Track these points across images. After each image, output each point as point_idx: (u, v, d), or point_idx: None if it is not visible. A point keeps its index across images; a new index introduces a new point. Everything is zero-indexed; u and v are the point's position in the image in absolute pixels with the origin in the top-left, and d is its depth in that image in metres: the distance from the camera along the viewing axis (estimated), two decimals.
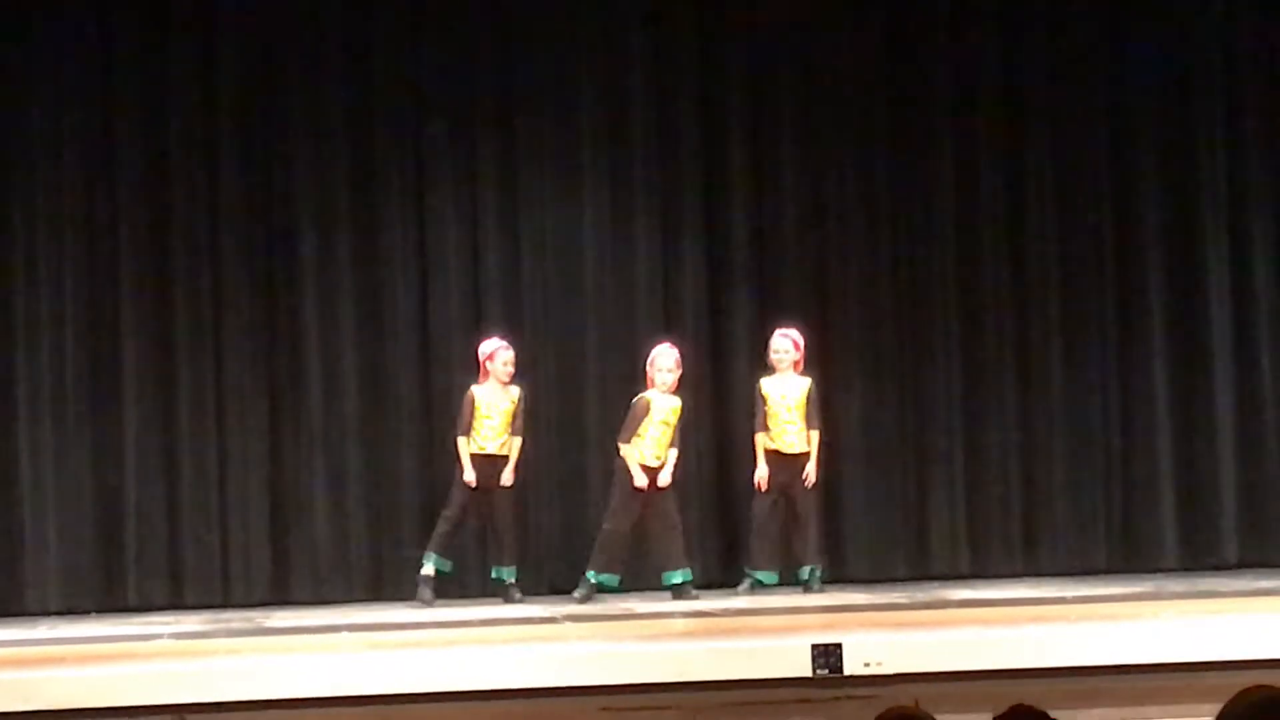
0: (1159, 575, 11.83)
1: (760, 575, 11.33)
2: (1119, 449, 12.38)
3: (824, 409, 11.77)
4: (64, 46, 11.95)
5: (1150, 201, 12.45)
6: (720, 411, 12.17)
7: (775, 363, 11.37)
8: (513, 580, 11.26)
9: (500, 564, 11.30)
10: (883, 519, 12.16)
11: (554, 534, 12.01)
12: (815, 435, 11.38)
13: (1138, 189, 12.46)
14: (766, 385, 11.40)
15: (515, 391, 11.28)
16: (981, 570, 12.10)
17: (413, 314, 12.06)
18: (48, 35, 11.95)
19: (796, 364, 11.39)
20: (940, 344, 12.34)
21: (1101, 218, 12.46)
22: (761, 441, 11.39)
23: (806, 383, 11.38)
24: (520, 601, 11.11)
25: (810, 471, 11.29)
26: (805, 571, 11.32)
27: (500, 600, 11.18)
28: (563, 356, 12.00)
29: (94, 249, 11.92)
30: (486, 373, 11.24)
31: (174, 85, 12.00)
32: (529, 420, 11.39)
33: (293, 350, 12.05)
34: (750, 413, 11.56)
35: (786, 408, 11.33)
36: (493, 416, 11.19)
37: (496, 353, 11.23)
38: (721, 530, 12.14)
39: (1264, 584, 10.98)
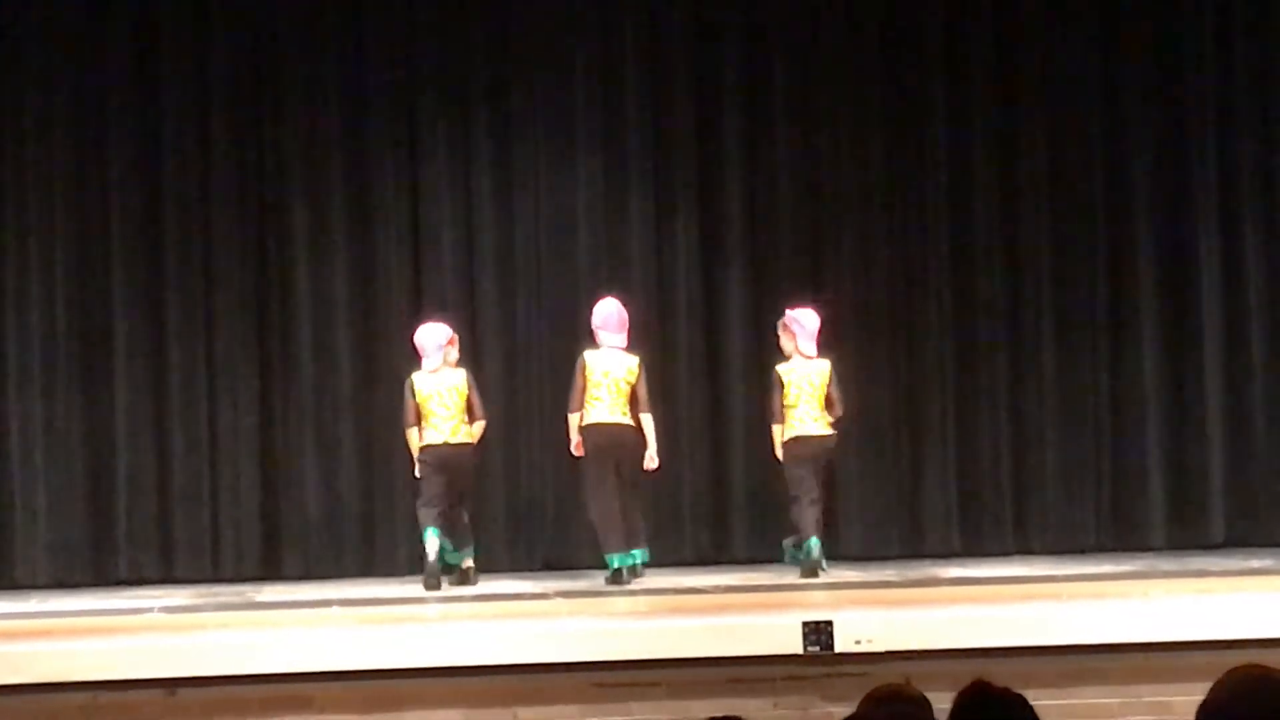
0: (1148, 554, 11.85)
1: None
2: (1109, 429, 12.39)
3: None
4: (55, 19, 11.90)
5: (1142, 184, 12.44)
6: (713, 387, 12.17)
7: (800, 348, 11.11)
8: (471, 562, 11.00)
9: (461, 547, 10.94)
10: (875, 497, 12.17)
11: (547, 510, 11.99)
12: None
13: (1130, 172, 12.45)
14: (785, 371, 11.14)
15: (460, 375, 10.90)
16: (973, 549, 12.11)
17: (406, 288, 12.04)
18: (38, 6, 11.91)
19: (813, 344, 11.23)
20: (933, 324, 12.34)
21: (1094, 199, 12.46)
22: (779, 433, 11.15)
23: (826, 365, 11.19)
24: (475, 584, 10.88)
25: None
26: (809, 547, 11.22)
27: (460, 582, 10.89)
28: (555, 332, 11.97)
29: (85, 221, 11.89)
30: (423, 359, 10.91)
31: (166, 58, 11.97)
32: (486, 398, 11.08)
33: (284, 324, 12.03)
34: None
35: (811, 385, 11.17)
36: (432, 399, 10.79)
37: (428, 337, 10.89)
38: (714, 506, 12.13)
39: (1253, 564, 11.01)
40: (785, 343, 11.16)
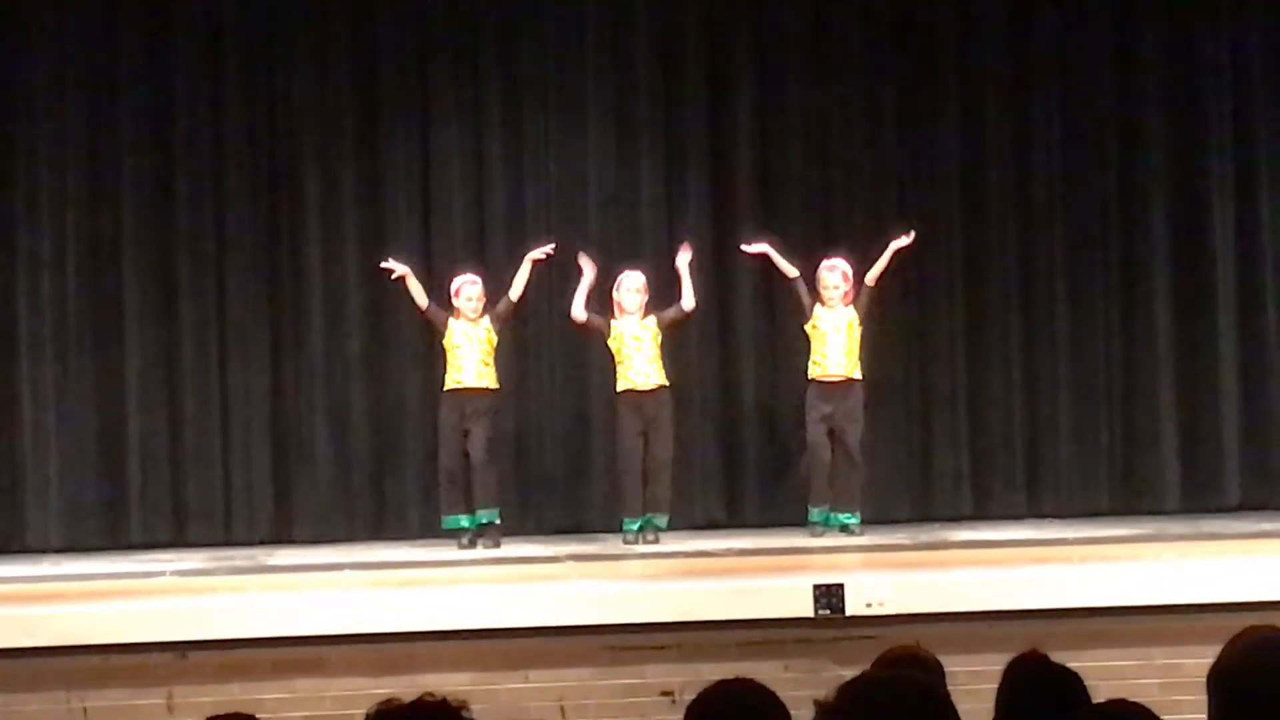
0: (1161, 517, 11.83)
1: (832, 515, 11.19)
2: (1121, 391, 12.37)
3: None
4: None
5: (1155, 143, 12.39)
6: (725, 350, 12.15)
7: (826, 297, 11.19)
8: (495, 522, 10.98)
9: (480, 506, 10.96)
10: (886, 460, 12.14)
11: (556, 474, 11.99)
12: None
13: (1143, 131, 12.40)
14: (818, 312, 11.19)
15: (486, 323, 11.08)
16: (984, 512, 12.10)
17: (416, 251, 12.01)
18: None
19: (846, 295, 11.25)
20: (944, 285, 12.31)
21: (1106, 159, 12.42)
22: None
23: (852, 314, 11.22)
24: (498, 546, 10.87)
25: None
26: (844, 517, 11.20)
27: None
28: (565, 295, 11.94)
29: (96, 185, 11.87)
30: (457, 308, 11.07)
31: (177, 21, 11.93)
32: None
33: (295, 287, 12.01)
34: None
35: (836, 331, 11.17)
36: (462, 347, 10.99)
37: (462, 287, 11.06)
38: (725, 470, 12.13)
39: (1265, 526, 11.00)
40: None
